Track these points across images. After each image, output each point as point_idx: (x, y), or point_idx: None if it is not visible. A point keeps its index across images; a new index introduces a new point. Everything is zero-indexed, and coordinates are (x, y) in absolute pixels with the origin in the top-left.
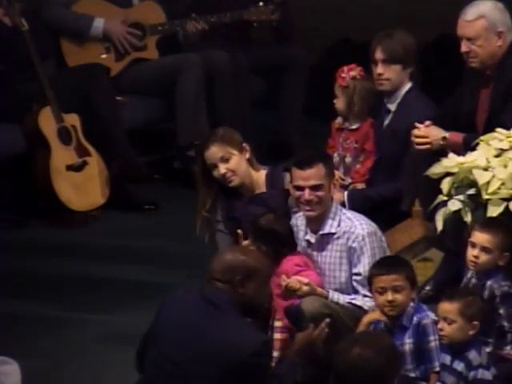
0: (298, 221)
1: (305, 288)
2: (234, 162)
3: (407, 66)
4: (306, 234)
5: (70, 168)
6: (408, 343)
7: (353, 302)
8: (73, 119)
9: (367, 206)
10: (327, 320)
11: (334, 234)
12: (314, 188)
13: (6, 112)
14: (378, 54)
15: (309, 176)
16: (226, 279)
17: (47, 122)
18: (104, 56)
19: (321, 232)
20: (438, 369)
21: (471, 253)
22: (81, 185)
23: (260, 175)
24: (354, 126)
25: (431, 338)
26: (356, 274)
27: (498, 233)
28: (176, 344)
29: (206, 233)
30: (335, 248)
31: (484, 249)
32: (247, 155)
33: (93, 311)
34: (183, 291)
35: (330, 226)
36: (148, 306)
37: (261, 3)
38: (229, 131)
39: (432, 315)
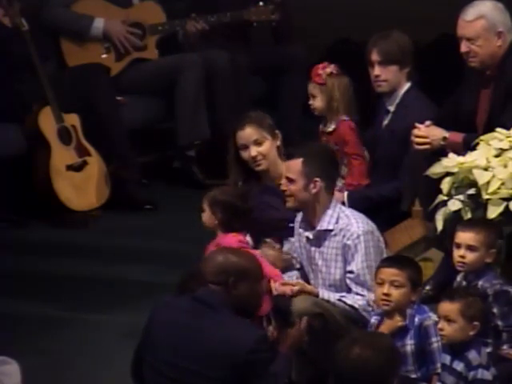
0: (299, 217)
1: (295, 288)
2: (265, 147)
3: (404, 66)
4: (305, 230)
5: (69, 168)
6: (409, 344)
7: (343, 299)
8: (73, 119)
9: (367, 205)
10: (306, 317)
11: (331, 230)
12: (287, 179)
13: (6, 112)
14: (374, 56)
15: (286, 167)
16: (219, 281)
17: (47, 122)
18: (104, 56)
19: (318, 228)
20: (439, 370)
21: (457, 253)
22: (81, 185)
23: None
24: (330, 129)
25: (433, 339)
26: (349, 272)
27: (481, 230)
28: (174, 348)
29: None
30: (332, 245)
31: (469, 247)
32: (278, 142)
33: (93, 311)
34: (171, 298)
35: (327, 223)
36: (148, 306)
37: (261, 3)
38: (263, 116)
39: (434, 316)
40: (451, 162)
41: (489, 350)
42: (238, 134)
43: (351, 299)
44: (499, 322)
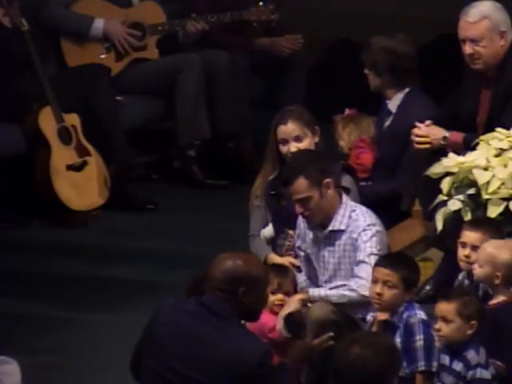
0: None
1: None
2: (305, 143)
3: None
4: (314, 229)
5: (69, 168)
6: (398, 343)
7: (329, 293)
8: (73, 119)
9: (362, 202)
10: (331, 334)
11: (342, 230)
12: (300, 201)
13: (6, 112)
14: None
15: (291, 192)
16: (228, 289)
17: (47, 122)
18: (104, 56)
19: (330, 229)
20: (422, 368)
21: (462, 253)
22: (81, 185)
23: None
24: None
25: (417, 337)
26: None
27: (488, 231)
28: (177, 353)
29: (260, 201)
30: (342, 243)
31: (475, 247)
32: (316, 138)
33: (93, 311)
34: (177, 299)
35: (339, 223)
36: (148, 306)
37: (261, 3)
38: (305, 111)
39: (422, 314)
40: (451, 161)
41: None
42: (279, 128)
43: (338, 291)
44: None
